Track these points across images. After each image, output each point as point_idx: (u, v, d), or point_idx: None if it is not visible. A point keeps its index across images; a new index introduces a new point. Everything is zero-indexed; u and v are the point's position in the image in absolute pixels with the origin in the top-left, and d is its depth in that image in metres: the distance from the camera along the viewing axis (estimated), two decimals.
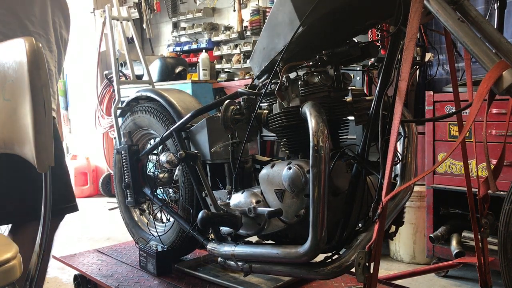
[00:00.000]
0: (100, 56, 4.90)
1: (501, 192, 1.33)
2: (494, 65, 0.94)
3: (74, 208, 1.74)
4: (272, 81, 1.44)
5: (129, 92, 2.92)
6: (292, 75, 1.41)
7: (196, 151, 1.74)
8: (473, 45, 0.99)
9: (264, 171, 1.46)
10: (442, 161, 1.02)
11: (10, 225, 2.47)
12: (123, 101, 2.25)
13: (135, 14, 5.27)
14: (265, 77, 1.54)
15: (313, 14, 1.25)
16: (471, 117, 0.94)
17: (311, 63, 1.39)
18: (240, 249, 1.53)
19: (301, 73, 1.40)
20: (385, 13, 1.27)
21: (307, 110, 1.27)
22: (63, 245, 3.18)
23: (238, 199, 1.52)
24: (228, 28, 4.83)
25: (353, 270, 1.15)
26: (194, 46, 5.07)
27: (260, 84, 1.56)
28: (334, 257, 1.33)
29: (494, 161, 1.37)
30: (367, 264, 1.08)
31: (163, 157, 1.74)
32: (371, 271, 1.08)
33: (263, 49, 1.47)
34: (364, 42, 1.37)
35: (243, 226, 1.48)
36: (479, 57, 0.99)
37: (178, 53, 5.25)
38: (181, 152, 1.71)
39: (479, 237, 1.39)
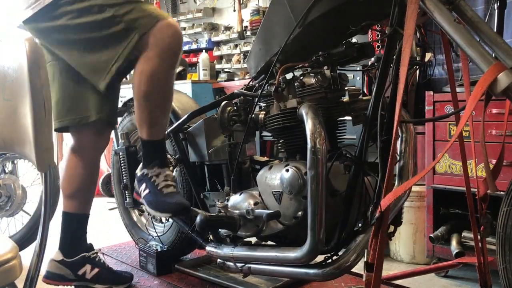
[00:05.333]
0: None
1: (501, 192, 1.33)
2: (490, 67, 0.94)
3: None
4: (269, 82, 1.43)
5: (127, 92, 2.91)
6: (289, 76, 1.41)
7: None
8: (468, 47, 0.99)
9: (262, 173, 1.46)
10: (438, 159, 1.02)
11: (9, 225, 2.48)
12: (121, 101, 2.24)
13: None
14: (261, 78, 1.54)
15: (309, 15, 1.25)
16: (463, 120, 0.93)
17: (307, 64, 1.39)
18: (239, 251, 1.53)
19: (297, 74, 1.40)
20: (381, 14, 1.27)
21: (304, 112, 1.27)
22: None
23: (236, 201, 1.52)
24: (228, 28, 4.83)
25: (353, 270, 1.14)
26: (194, 46, 5.07)
27: (257, 85, 1.55)
28: (333, 258, 1.33)
29: (494, 161, 1.37)
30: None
31: None
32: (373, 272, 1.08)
33: (259, 50, 1.47)
34: (360, 43, 1.37)
35: (241, 228, 1.48)
36: (475, 59, 0.99)
37: None
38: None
39: (479, 237, 1.38)
